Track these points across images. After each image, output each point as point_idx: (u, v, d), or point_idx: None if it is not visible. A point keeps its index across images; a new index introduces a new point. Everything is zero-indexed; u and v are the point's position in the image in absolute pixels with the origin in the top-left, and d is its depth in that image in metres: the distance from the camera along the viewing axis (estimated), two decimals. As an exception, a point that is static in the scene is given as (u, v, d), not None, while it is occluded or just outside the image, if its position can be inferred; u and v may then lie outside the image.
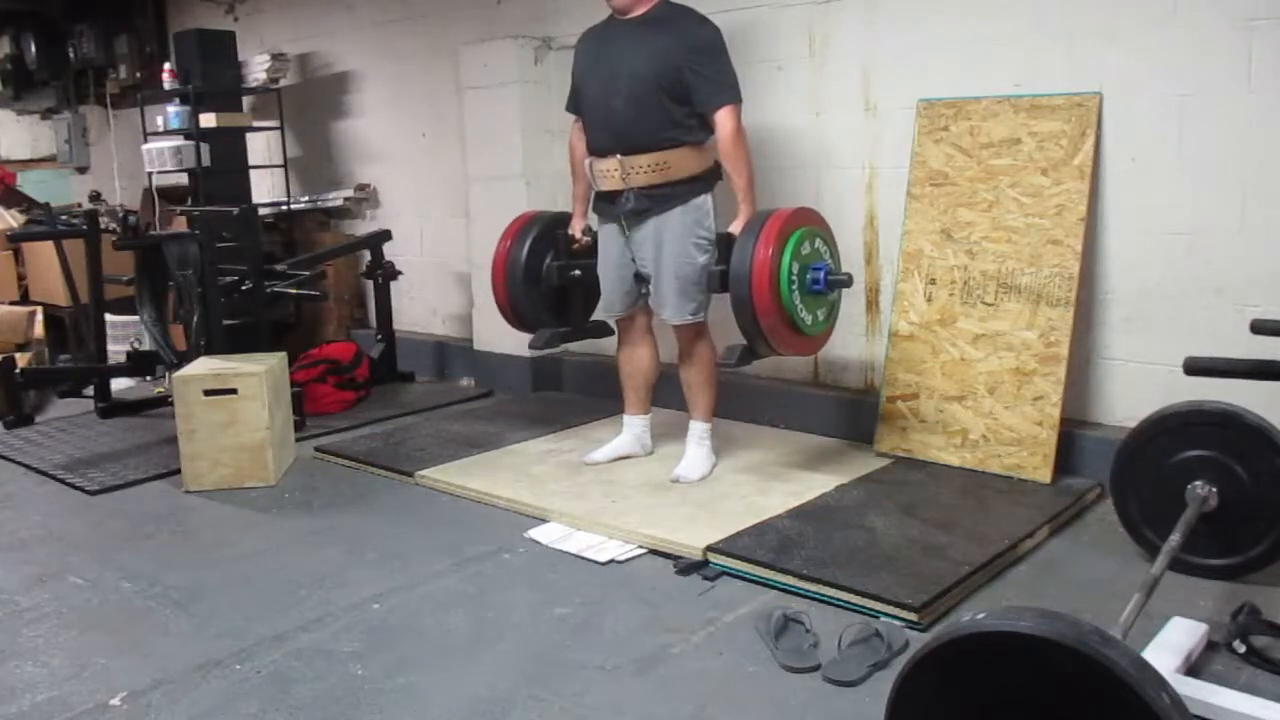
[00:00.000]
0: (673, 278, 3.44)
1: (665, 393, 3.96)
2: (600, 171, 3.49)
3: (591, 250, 3.73)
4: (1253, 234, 3.19)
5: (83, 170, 7.88)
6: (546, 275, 3.76)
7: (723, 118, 3.34)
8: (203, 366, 3.85)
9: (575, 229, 3.78)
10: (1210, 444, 2.64)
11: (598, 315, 3.84)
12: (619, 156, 3.41)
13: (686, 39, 3.36)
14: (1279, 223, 3.15)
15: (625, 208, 3.45)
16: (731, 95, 3.37)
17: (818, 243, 3.29)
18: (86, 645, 2.59)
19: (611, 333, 3.89)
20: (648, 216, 3.45)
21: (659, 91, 3.35)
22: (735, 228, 3.31)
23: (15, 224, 6.21)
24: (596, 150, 3.52)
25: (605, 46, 3.53)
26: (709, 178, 3.46)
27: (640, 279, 3.59)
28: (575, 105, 3.66)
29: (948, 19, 3.69)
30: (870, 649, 2.39)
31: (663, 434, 3.90)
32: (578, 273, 3.77)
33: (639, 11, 3.44)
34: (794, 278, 3.17)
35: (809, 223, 3.31)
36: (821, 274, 3.26)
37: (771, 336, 3.21)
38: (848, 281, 3.33)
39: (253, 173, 6.01)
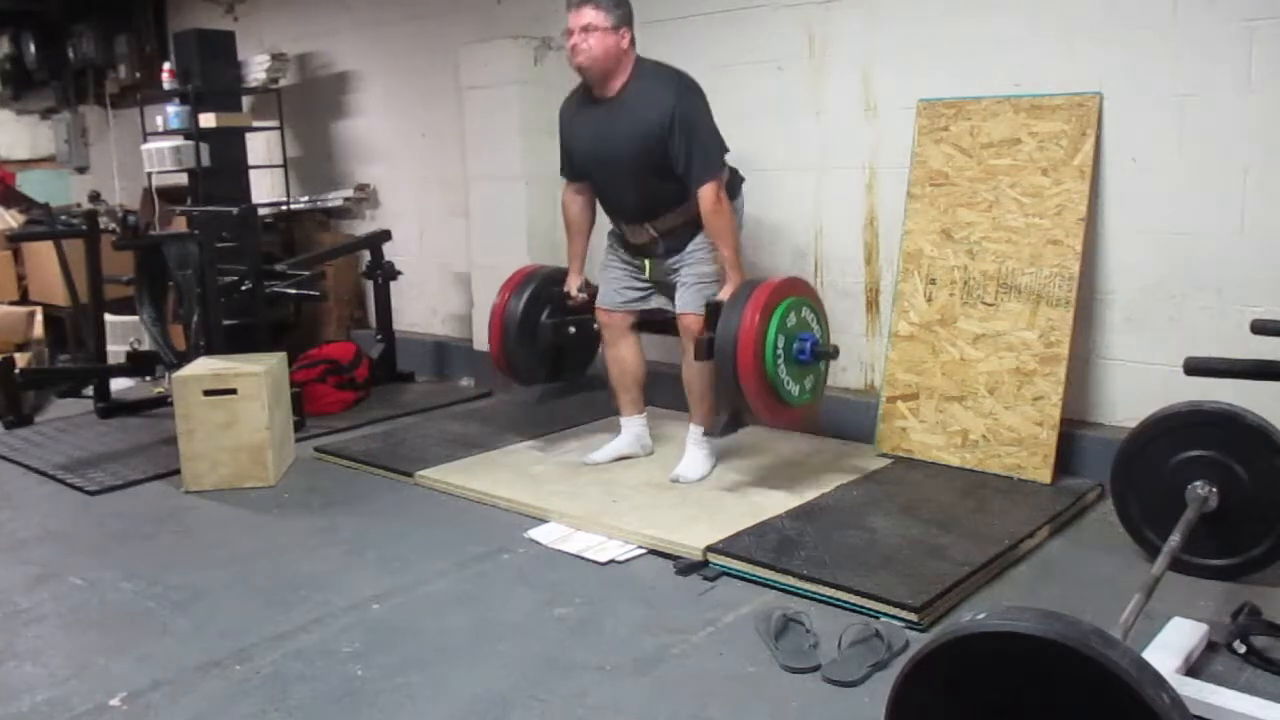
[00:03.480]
0: (693, 282, 3.50)
1: (665, 393, 3.96)
2: (630, 231, 3.59)
3: (587, 306, 3.78)
4: (1253, 234, 3.19)
5: (82, 170, 7.88)
6: (541, 332, 3.80)
7: (704, 193, 3.33)
8: (202, 366, 3.84)
9: (571, 286, 3.81)
10: (1210, 444, 2.64)
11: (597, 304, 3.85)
12: (646, 224, 3.51)
13: (661, 121, 3.30)
14: (1279, 223, 3.15)
15: (657, 253, 3.56)
16: (711, 170, 3.34)
17: (805, 312, 3.28)
18: (86, 645, 2.59)
19: (605, 387, 3.92)
20: (673, 254, 3.54)
21: (653, 177, 3.38)
22: (724, 295, 3.31)
23: (15, 224, 6.21)
24: (623, 220, 3.60)
25: (591, 135, 3.50)
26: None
27: (641, 289, 3.66)
28: (570, 172, 3.68)
29: (948, 19, 3.69)
30: (870, 649, 2.39)
31: (662, 434, 3.90)
32: (573, 330, 3.81)
33: (614, 90, 3.41)
34: (779, 351, 3.15)
35: (797, 292, 3.29)
36: (808, 345, 3.25)
37: (754, 404, 3.19)
38: (834, 354, 3.33)
39: (252, 173, 6.01)
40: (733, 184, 3.53)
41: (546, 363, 3.89)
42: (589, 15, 3.30)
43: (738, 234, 3.44)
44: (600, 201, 3.68)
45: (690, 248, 3.50)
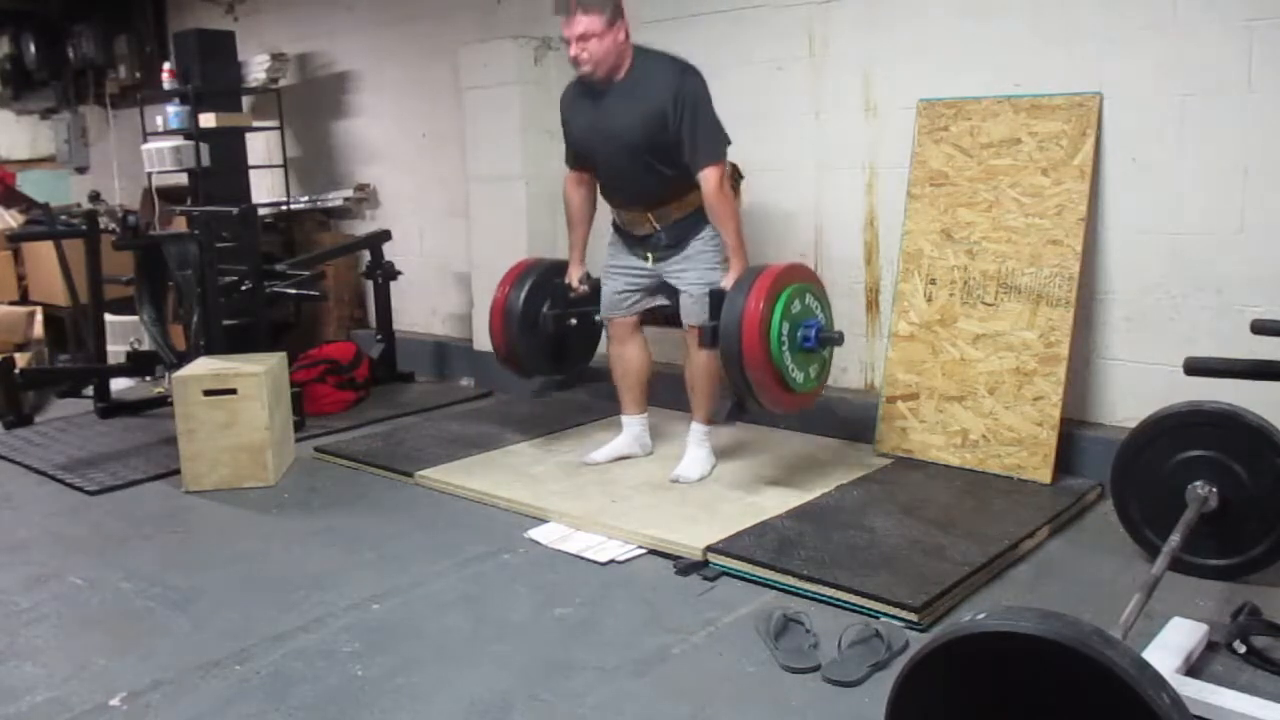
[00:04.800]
0: (695, 293, 3.49)
1: (665, 392, 3.96)
2: (630, 220, 3.57)
3: (589, 298, 3.78)
4: (1253, 234, 3.19)
5: (82, 170, 7.87)
6: (543, 324, 3.80)
7: (706, 176, 3.32)
8: (202, 366, 3.84)
9: (573, 278, 3.80)
10: (1210, 444, 2.64)
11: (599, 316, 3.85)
12: (646, 211, 3.49)
13: (664, 104, 3.30)
14: (1279, 223, 3.15)
15: (659, 245, 3.54)
16: (714, 155, 3.33)
17: (809, 299, 3.27)
18: (86, 645, 2.59)
19: (606, 378, 3.90)
20: (676, 248, 3.52)
21: (657, 161, 3.37)
22: (726, 282, 3.31)
23: (15, 224, 6.21)
24: (623, 204, 3.58)
25: (592, 115, 3.49)
26: None
27: (642, 289, 3.65)
28: (574, 160, 3.68)
29: (948, 19, 3.69)
30: (870, 649, 2.39)
31: (662, 434, 3.90)
32: (574, 321, 3.81)
33: (617, 78, 3.40)
34: (784, 337, 3.15)
35: (801, 279, 3.29)
36: (813, 331, 3.24)
37: (761, 392, 3.18)
38: (839, 339, 3.32)
39: (252, 173, 6.00)
40: (733, 180, 3.53)
41: (549, 354, 3.87)
42: (583, 23, 3.30)
43: (740, 221, 3.41)
44: (601, 188, 3.66)
45: (693, 249, 3.49)
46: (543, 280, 3.84)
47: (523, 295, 3.79)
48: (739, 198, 3.62)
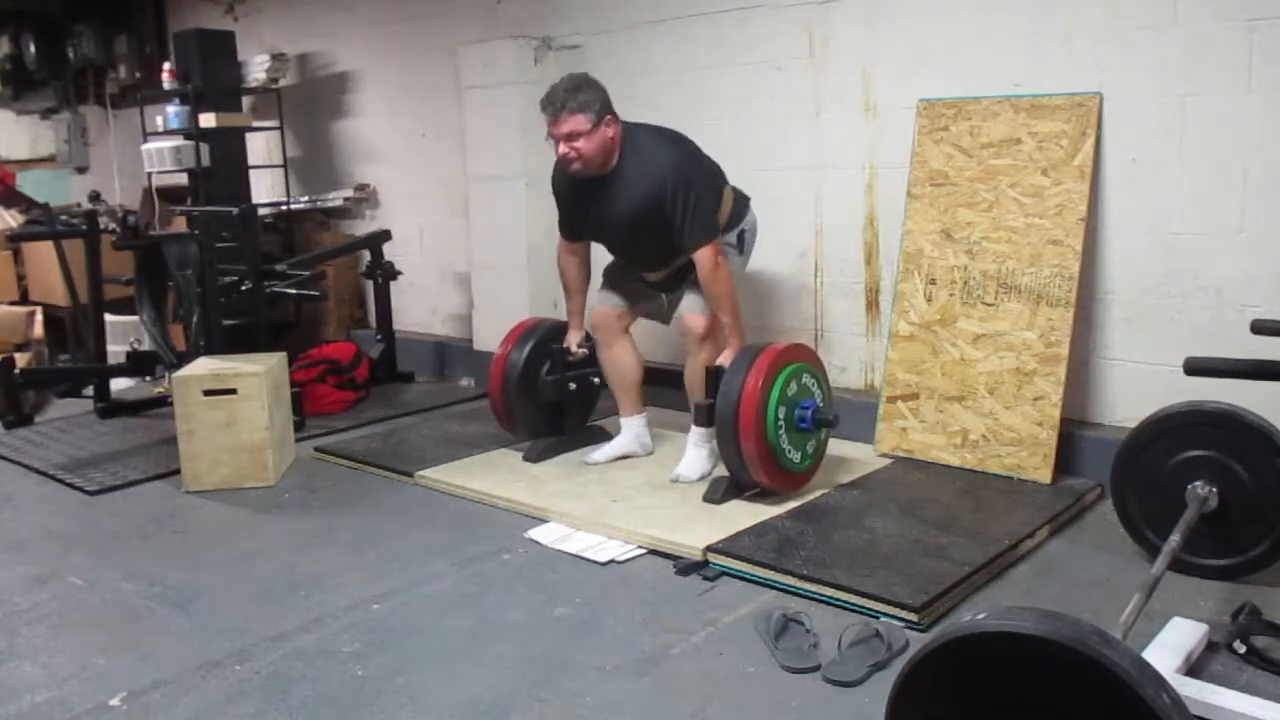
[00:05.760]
0: (698, 288, 3.49)
1: (665, 393, 3.96)
2: (651, 276, 3.64)
3: (587, 361, 3.79)
4: (1253, 234, 3.19)
5: (82, 170, 7.87)
6: (542, 389, 3.79)
7: (700, 257, 3.33)
8: (202, 366, 3.84)
9: (571, 342, 3.80)
10: (1210, 444, 2.64)
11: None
12: (653, 270, 3.58)
13: (657, 191, 3.29)
14: (1279, 223, 3.15)
15: (673, 285, 3.60)
16: (707, 235, 3.33)
17: (806, 379, 3.29)
18: (86, 645, 2.59)
19: (608, 438, 3.91)
20: (684, 278, 3.56)
21: (660, 237, 3.38)
22: (725, 360, 3.32)
23: (15, 224, 6.21)
24: (643, 270, 3.64)
25: (587, 201, 3.49)
26: (730, 224, 3.52)
27: (643, 296, 3.69)
28: (567, 231, 3.68)
29: (948, 19, 3.69)
30: (870, 649, 2.39)
31: (662, 434, 3.90)
32: (573, 386, 3.80)
33: (608, 169, 3.39)
34: (781, 420, 3.16)
35: (799, 359, 3.30)
36: (809, 412, 3.25)
37: (755, 471, 3.19)
38: (834, 422, 3.32)
39: (252, 173, 6.01)
40: (739, 208, 3.57)
41: (546, 416, 3.88)
42: (570, 124, 3.28)
43: (737, 298, 3.42)
44: (613, 255, 3.72)
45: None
46: (543, 343, 3.82)
47: (524, 357, 3.78)
48: (752, 216, 3.63)
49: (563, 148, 3.33)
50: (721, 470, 3.41)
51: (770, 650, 2.42)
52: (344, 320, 5.89)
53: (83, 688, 2.37)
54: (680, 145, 3.42)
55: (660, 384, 3.92)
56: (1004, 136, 3.56)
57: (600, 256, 3.79)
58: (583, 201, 3.52)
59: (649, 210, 3.33)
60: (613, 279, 3.73)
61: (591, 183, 3.44)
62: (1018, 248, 3.50)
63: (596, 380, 3.84)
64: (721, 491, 3.29)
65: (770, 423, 3.14)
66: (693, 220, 3.31)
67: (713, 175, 3.48)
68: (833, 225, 4.10)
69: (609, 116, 3.33)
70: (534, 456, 3.80)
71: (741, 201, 3.60)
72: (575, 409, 3.98)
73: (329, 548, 3.18)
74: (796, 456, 3.26)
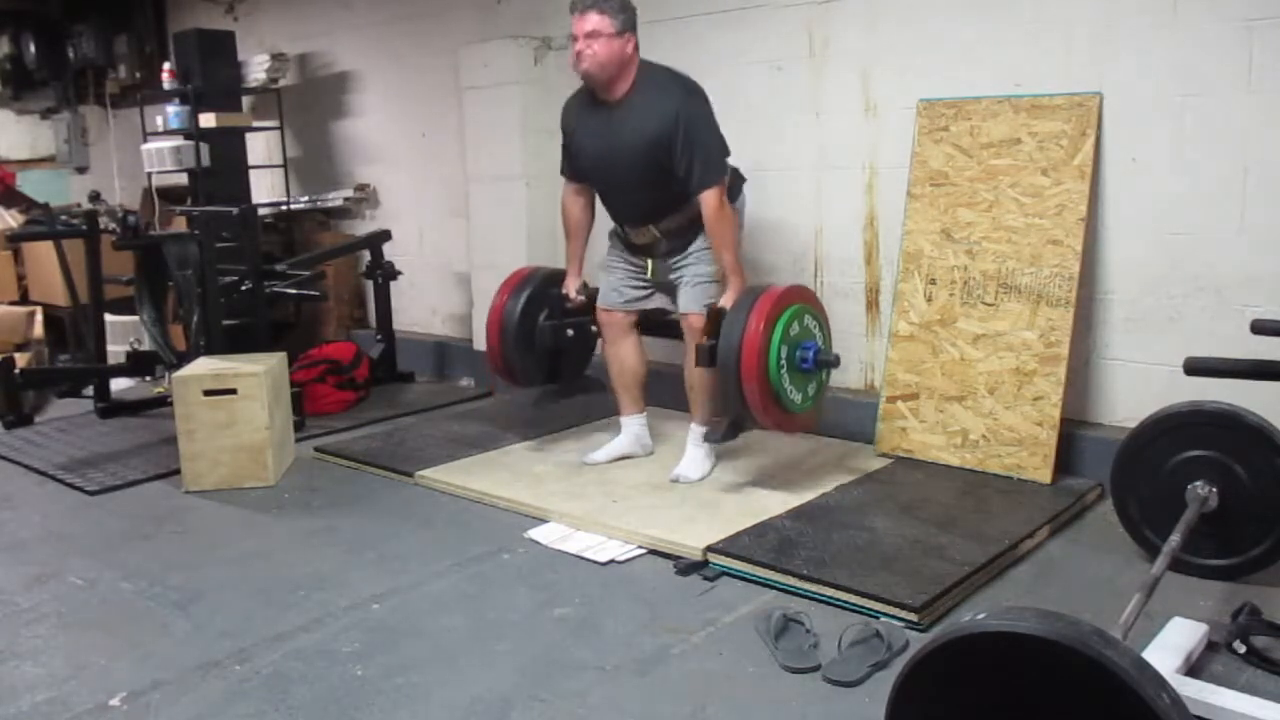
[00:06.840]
0: (695, 282, 3.51)
1: (665, 392, 3.96)
2: (634, 232, 3.59)
3: (585, 309, 3.77)
4: (1253, 234, 3.19)
5: (82, 170, 7.87)
6: (540, 335, 3.79)
7: (706, 198, 3.32)
8: (202, 366, 3.84)
9: (570, 288, 3.80)
10: (1210, 444, 2.64)
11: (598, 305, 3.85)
12: (649, 223, 3.51)
13: (667, 125, 3.29)
14: (1279, 223, 3.15)
15: (660, 252, 3.56)
16: (714, 176, 3.33)
17: (808, 320, 3.29)
18: (86, 645, 2.59)
19: (602, 389, 3.90)
20: (677, 252, 3.54)
21: (660, 178, 3.37)
22: (726, 301, 3.31)
23: (15, 224, 6.21)
24: (625, 218, 3.59)
25: (596, 132, 3.48)
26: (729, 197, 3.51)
27: (642, 288, 3.66)
28: (572, 172, 3.67)
29: (948, 19, 3.69)
30: (870, 649, 2.39)
31: (662, 434, 3.90)
32: (571, 333, 3.80)
33: (618, 95, 3.39)
34: (783, 360, 3.16)
35: (801, 300, 3.30)
36: (810, 353, 3.26)
37: (757, 412, 3.19)
38: (835, 362, 3.33)
39: (252, 173, 6.01)
40: (734, 184, 3.53)
41: (544, 365, 3.88)
42: (594, 21, 3.28)
43: (739, 239, 3.43)
44: (604, 203, 3.68)
45: (692, 249, 3.50)
46: (540, 290, 3.83)
47: (520, 304, 3.79)
48: (743, 199, 3.62)
49: (580, 44, 3.31)
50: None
51: (770, 650, 2.42)
52: (344, 320, 5.89)
53: (83, 688, 2.37)
54: (696, 91, 3.41)
55: (660, 383, 3.92)
56: (1004, 136, 3.56)
57: (597, 254, 3.80)
58: (590, 132, 3.50)
59: (656, 145, 3.31)
60: (612, 269, 3.71)
61: (601, 113, 3.43)
62: (1018, 248, 3.50)
63: (594, 328, 3.81)
64: (721, 433, 3.31)
65: (773, 364, 3.13)
66: (703, 160, 3.30)
67: (720, 133, 3.45)
68: (833, 225, 4.10)
69: (630, 34, 3.34)
70: (533, 402, 3.80)
71: (738, 179, 3.59)
72: (573, 357, 3.96)
73: (329, 548, 3.18)
74: (798, 397, 3.25)
